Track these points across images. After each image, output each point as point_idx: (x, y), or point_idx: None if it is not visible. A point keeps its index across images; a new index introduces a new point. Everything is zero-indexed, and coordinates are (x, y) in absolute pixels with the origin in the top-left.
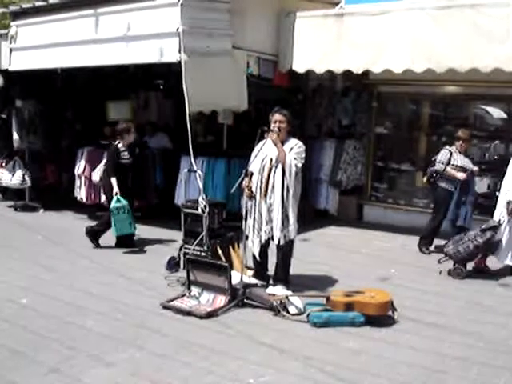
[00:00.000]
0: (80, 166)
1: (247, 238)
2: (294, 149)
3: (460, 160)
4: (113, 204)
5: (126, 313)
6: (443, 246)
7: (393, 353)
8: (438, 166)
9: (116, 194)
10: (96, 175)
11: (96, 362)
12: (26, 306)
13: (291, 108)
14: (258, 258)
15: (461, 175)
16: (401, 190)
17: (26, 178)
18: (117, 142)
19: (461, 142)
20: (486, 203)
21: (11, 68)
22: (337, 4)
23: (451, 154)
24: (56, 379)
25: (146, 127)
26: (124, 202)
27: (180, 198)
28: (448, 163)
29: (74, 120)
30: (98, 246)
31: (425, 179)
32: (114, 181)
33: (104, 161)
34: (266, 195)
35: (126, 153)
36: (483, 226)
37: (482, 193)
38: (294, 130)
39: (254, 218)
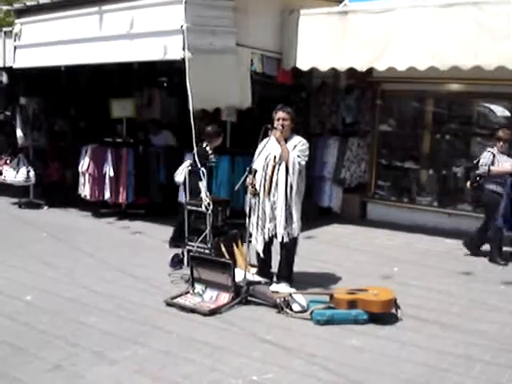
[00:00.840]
0: (84, 164)
1: (251, 235)
2: (298, 146)
3: (504, 161)
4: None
5: (129, 310)
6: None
7: (396, 350)
8: (482, 169)
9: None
10: (180, 176)
11: (99, 359)
12: (30, 303)
13: (295, 105)
14: (261, 255)
15: (509, 164)
16: (404, 187)
17: (30, 175)
18: (205, 144)
19: (501, 142)
20: None
21: (15, 65)
22: (340, 2)
23: (494, 155)
24: (59, 376)
25: (150, 125)
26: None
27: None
28: (492, 165)
29: (78, 117)
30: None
31: (468, 184)
32: (203, 184)
33: (188, 162)
34: (269, 193)
35: (212, 156)
36: None
37: None
38: (297, 128)
39: (258, 215)
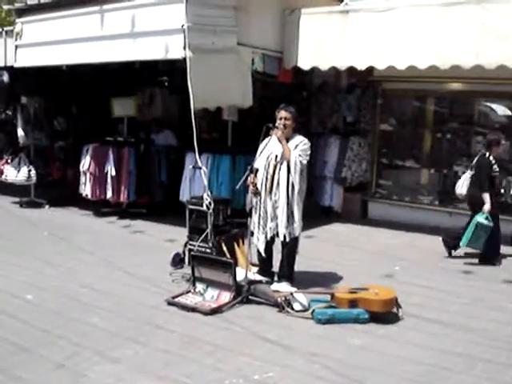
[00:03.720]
0: (85, 163)
1: (252, 234)
2: (299, 146)
3: None
4: (482, 220)
5: (130, 309)
6: None
7: (397, 349)
8: None
9: (488, 210)
10: (462, 188)
11: (101, 359)
12: (32, 302)
13: (296, 105)
14: (262, 254)
15: None
16: (405, 186)
17: (32, 174)
18: (487, 153)
19: None
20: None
21: (16, 65)
22: (342, 1)
23: None
24: (61, 375)
25: (152, 124)
26: (491, 224)
27: (185, 195)
28: None
29: (80, 116)
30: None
31: None
32: (486, 196)
33: (469, 172)
34: (270, 192)
35: (495, 165)
36: None
37: None
38: (299, 127)
39: (259, 214)
